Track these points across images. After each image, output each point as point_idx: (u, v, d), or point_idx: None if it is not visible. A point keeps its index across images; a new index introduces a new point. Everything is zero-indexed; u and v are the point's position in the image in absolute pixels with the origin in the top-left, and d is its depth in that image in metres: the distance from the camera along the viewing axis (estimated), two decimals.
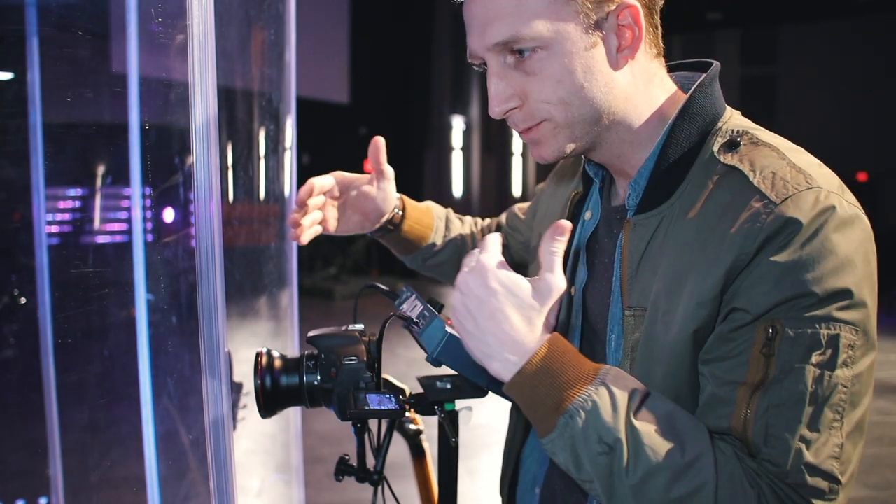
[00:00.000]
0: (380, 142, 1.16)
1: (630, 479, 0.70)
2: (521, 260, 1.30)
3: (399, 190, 1.24)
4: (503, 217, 1.37)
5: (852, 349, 0.70)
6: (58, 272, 1.65)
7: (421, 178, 11.84)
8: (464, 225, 1.35)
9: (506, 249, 1.33)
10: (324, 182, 1.14)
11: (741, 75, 11.81)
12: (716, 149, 0.81)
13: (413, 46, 11.66)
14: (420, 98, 11.96)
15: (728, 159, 0.79)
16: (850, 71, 10.97)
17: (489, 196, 12.25)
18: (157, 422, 1.47)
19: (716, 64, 0.88)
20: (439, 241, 1.28)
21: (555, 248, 0.77)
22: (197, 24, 0.81)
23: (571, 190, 1.05)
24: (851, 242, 0.71)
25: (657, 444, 0.70)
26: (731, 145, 0.80)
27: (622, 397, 0.72)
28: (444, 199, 12.27)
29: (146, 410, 1.47)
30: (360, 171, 1.22)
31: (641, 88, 0.85)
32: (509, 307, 0.75)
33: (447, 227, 1.31)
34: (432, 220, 1.28)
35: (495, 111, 0.82)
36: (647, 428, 0.71)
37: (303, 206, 1.12)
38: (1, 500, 1.93)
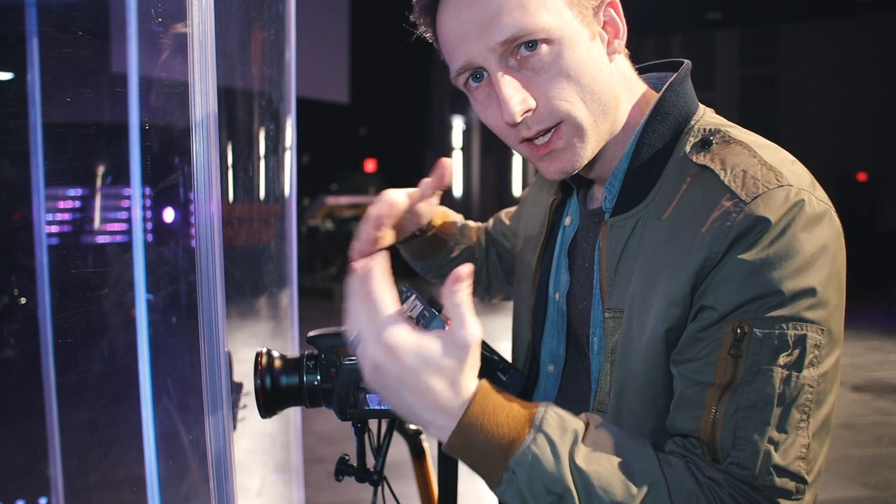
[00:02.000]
0: (449, 164, 1.10)
1: None
2: (509, 265, 1.29)
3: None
4: (490, 223, 1.35)
5: (818, 349, 0.70)
6: (58, 272, 1.65)
7: (421, 178, 11.83)
8: (471, 230, 1.34)
9: (498, 259, 1.32)
10: (398, 200, 1.07)
11: (741, 75, 11.80)
12: (688, 148, 0.80)
13: (413, 46, 11.66)
14: (420, 98, 11.96)
15: (700, 159, 0.79)
16: (850, 71, 10.96)
17: (489, 196, 12.25)
18: (157, 422, 1.47)
19: (686, 62, 0.88)
20: (456, 250, 1.27)
21: (458, 300, 0.69)
22: (197, 24, 0.81)
23: (551, 196, 1.04)
24: (819, 240, 0.71)
25: (606, 482, 0.68)
26: (704, 144, 0.80)
27: (562, 442, 0.69)
28: (444, 198, 12.23)
29: (146, 410, 1.47)
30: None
31: (625, 86, 0.85)
32: (428, 376, 0.69)
33: (462, 234, 1.30)
34: (452, 228, 1.27)
35: (514, 112, 0.76)
36: (593, 467, 0.68)
37: (382, 225, 1.03)
38: (1, 500, 1.93)
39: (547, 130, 0.80)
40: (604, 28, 0.81)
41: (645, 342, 0.76)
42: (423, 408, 0.70)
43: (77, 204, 1.75)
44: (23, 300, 1.78)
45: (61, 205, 1.72)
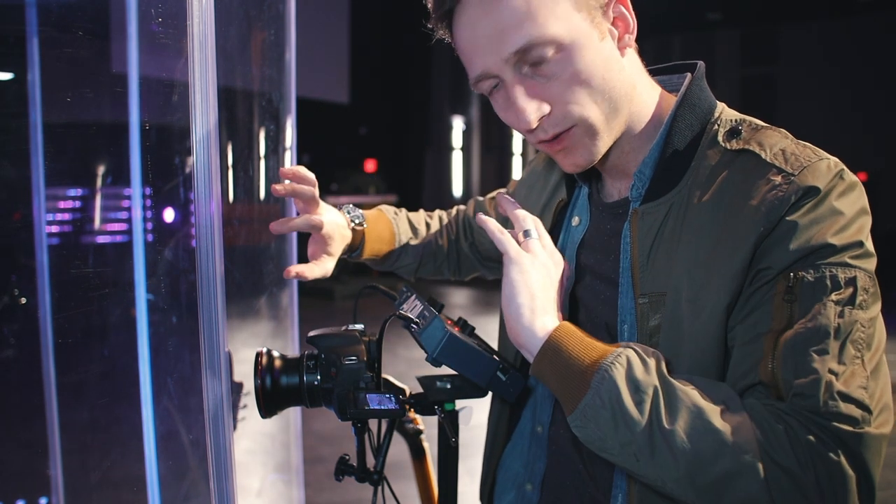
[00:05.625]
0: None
1: (669, 423, 0.72)
2: (489, 254, 1.29)
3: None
4: (470, 210, 1.34)
5: (867, 293, 0.74)
6: (58, 272, 1.65)
7: (421, 178, 11.84)
8: (433, 221, 1.34)
9: (471, 247, 1.32)
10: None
11: (741, 75, 11.80)
12: (720, 137, 0.84)
13: (413, 47, 11.66)
14: (420, 98, 11.95)
15: (735, 145, 0.83)
16: (850, 71, 10.96)
17: None
18: (157, 422, 1.48)
19: (701, 63, 0.91)
20: (410, 253, 1.27)
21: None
22: (197, 24, 0.81)
23: (553, 198, 1.06)
24: (859, 203, 0.77)
25: (688, 390, 0.74)
26: (734, 133, 0.84)
27: (647, 357, 0.76)
28: (445, 198, 12.26)
29: (146, 410, 1.47)
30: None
31: (638, 78, 0.88)
32: (559, 290, 0.86)
33: (413, 230, 1.29)
34: (392, 231, 1.24)
35: (529, 120, 0.81)
36: (675, 378, 0.75)
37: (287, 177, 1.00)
38: (1, 500, 1.93)
39: (562, 132, 0.84)
40: (614, 24, 0.83)
41: (705, 318, 0.78)
42: (547, 302, 0.83)
43: (77, 204, 1.75)
44: (23, 300, 1.78)
45: (61, 205, 1.72)
